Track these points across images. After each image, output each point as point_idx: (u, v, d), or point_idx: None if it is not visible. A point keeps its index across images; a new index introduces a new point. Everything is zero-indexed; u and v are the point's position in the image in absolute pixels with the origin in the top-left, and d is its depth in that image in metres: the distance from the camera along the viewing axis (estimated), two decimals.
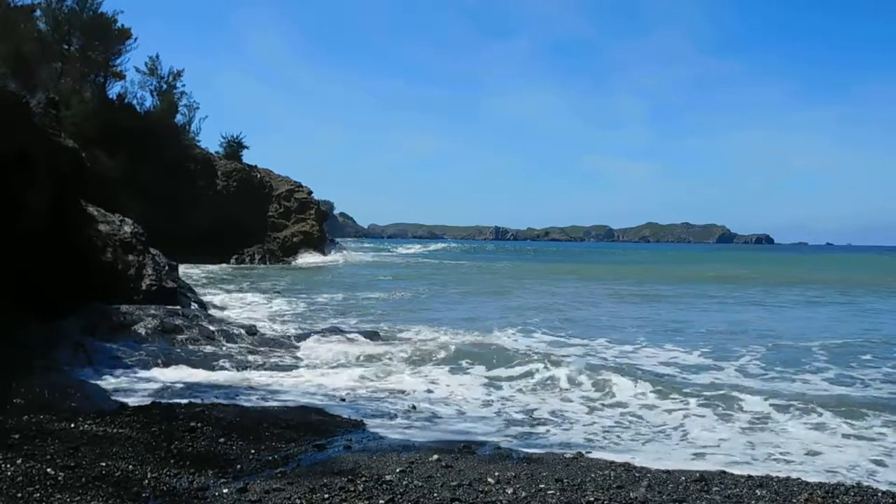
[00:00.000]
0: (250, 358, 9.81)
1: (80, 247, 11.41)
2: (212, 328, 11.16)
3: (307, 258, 42.84)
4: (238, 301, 17.75)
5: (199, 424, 5.87)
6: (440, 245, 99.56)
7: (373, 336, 12.01)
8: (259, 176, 46.43)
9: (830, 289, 26.88)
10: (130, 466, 4.64)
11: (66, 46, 35.61)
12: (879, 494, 4.77)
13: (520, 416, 7.14)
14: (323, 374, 9.00)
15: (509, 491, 4.54)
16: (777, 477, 5.10)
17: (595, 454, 5.70)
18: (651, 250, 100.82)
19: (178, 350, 9.89)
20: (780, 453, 6.03)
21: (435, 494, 4.43)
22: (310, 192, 47.46)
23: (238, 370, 9.04)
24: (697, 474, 5.02)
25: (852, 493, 4.76)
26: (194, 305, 13.92)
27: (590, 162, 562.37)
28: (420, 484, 4.61)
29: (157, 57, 41.29)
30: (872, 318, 17.27)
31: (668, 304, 20.31)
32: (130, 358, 9.13)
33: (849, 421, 6.97)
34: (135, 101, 40.47)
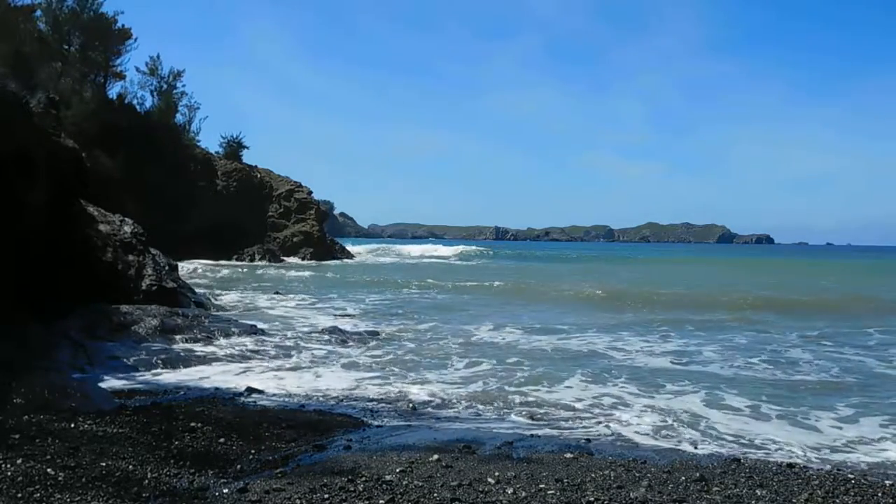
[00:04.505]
0: (251, 358, 9.80)
1: (80, 247, 11.42)
2: (212, 328, 11.16)
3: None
4: (245, 300, 17.75)
5: (198, 424, 5.87)
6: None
7: (373, 336, 12.01)
8: (259, 176, 46.46)
9: None
10: (130, 466, 4.64)
11: (66, 46, 35.63)
12: (880, 494, 4.78)
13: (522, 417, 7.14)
14: (320, 374, 8.99)
15: (509, 491, 4.54)
16: (777, 477, 5.11)
17: None
18: (667, 250, 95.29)
19: (178, 350, 9.89)
20: None
21: (435, 494, 4.43)
22: (310, 192, 47.47)
23: (238, 370, 9.04)
24: (698, 474, 5.02)
25: (852, 493, 4.77)
26: (195, 304, 13.92)
27: (590, 162, 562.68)
28: (420, 484, 4.60)
29: (158, 57, 41.36)
30: None
31: None
32: (130, 358, 9.13)
33: None
34: (135, 101, 40.52)
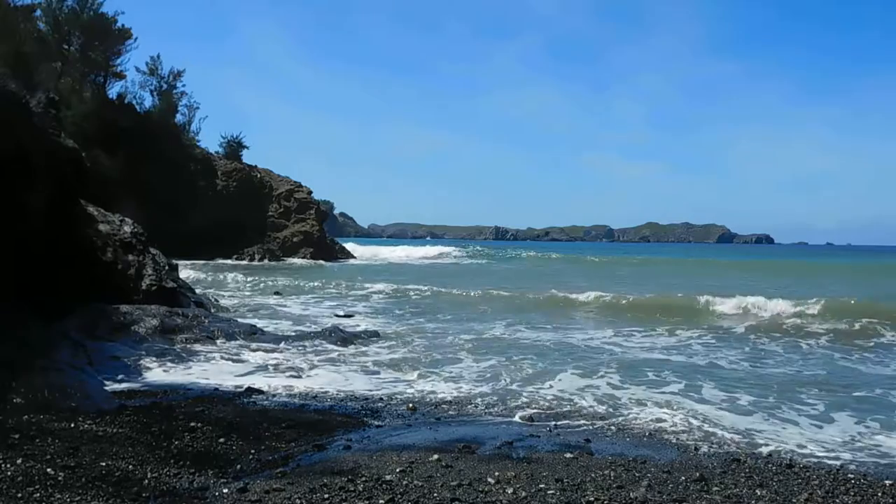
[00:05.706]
0: (251, 358, 9.80)
1: (80, 247, 11.41)
2: (212, 328, 11.16)
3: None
4: (245, 300, 17.75)
5: (198, 424, 5.87)
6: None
7: (373, 337, 12.01)
8: (259, 176, 46.47)
9: None
10: (130, 466, 4.65)
11: (66, 46, 35.67)
12: (880, 494, 4.78)
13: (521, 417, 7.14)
14: (321, 374, 8.99)
15: (509, 491, 4.54)
16: (777, 477, 5.11)
17: None
18: (668, 250, 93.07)
19: (179, 350, 9.89)
20: None
21: (435, 494, 4.43)
22: (310, 192, 47.47)
23: (238, 370, 9.03)
24: (698, 474, 5.02)
25: (852, 493, 4.77)
26: (195, 304, 13.91)
27: (590, 162, 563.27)
28: (420, 484, 4.61)
29: (158, 57, 41.42)
30: None
31: None
32: (130, 358, 9.13)
33: None
34: (135, 101, 40.57)
